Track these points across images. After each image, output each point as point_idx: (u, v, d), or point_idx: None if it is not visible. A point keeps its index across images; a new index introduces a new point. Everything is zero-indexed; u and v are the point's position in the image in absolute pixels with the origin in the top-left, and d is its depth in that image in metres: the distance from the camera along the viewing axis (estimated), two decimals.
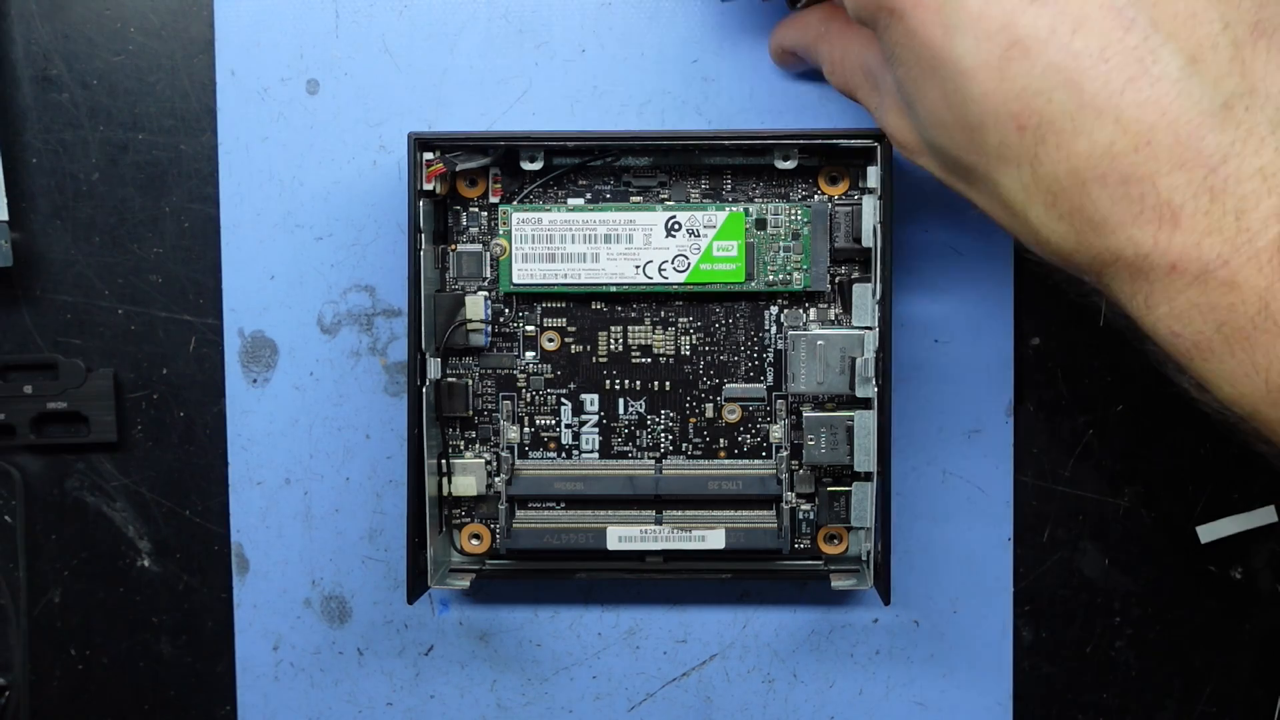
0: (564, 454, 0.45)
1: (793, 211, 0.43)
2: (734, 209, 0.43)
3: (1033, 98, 0.29)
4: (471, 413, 0.45)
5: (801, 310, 0.44)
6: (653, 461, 0.45)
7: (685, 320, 0.45)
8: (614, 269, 0.43)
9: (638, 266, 0.43)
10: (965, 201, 0.45)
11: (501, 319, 0.45)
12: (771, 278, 0.44)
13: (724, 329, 0.45)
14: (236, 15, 0.45)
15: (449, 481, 0.44)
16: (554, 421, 0.45)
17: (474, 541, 0.45)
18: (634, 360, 0.45)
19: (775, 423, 0.45)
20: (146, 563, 0.47)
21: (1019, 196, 0.31)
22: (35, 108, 0.46)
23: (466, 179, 0.44)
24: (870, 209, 0.43)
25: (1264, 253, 0.28)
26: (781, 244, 0.44)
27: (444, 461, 0.44)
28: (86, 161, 0.46)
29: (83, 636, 0.48)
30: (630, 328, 0.45)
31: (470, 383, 0.45)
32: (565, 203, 0.44)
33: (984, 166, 0.31)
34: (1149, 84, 0.28)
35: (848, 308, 0.43)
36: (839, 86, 0.40)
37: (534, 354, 0.45)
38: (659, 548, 0.44)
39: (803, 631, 0.47)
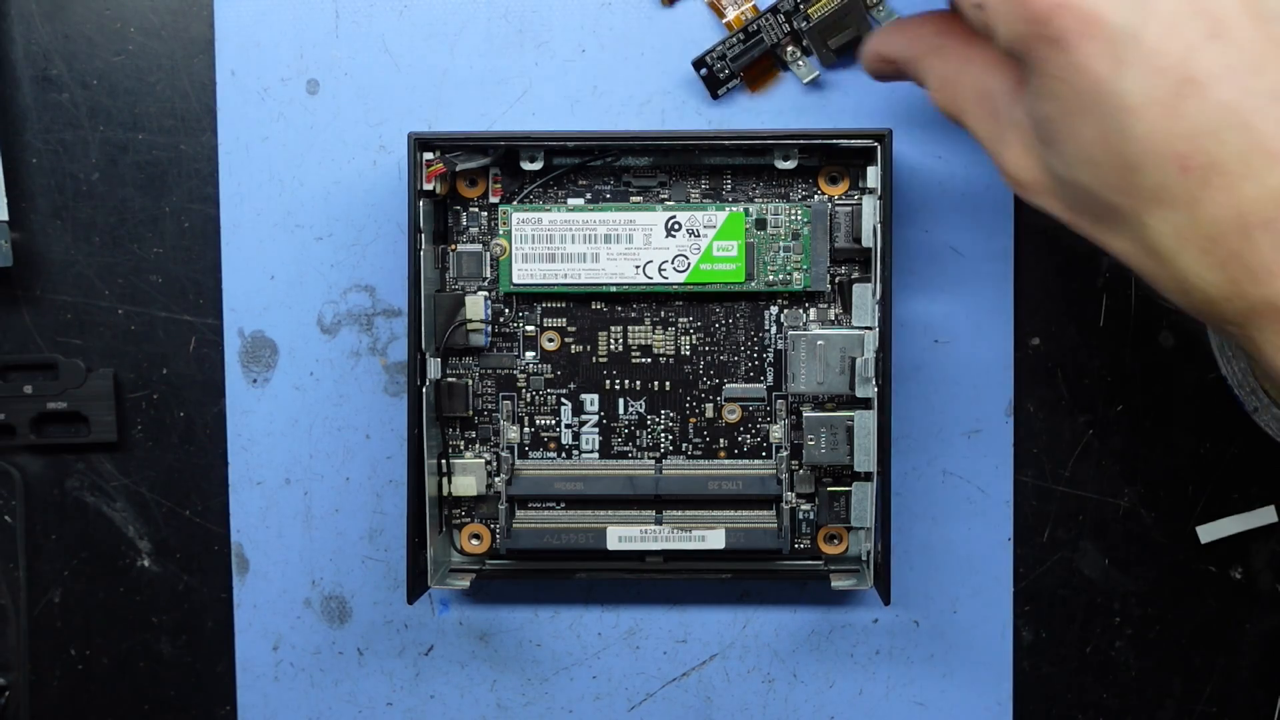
0: (564, 454, 0.45)
1: (793, 211, 0.43)
2: (734, 209, 0.43)
3: (1202, 138, 0.28)
4: (471, 413, 0.45)
5: (801, 310, 0.44)
6: (653, 461, 0.45)
7: (685, 320, 0.45)
8: (614, 269, 0.43)
9: (638, 266, 0.43)
10: (965, 202, 0.45)
11: (501, 319, 0.45)
12: (771, 278, 0.44)
13: (724, 329, 0.45)
14: (236, 15, 0.45)
15: (449, 481, 0.44)
16: (554, 421, 0.45)
17: (474, 541, 0.45)
18: (634, 360, 0.45)
19: (775, 423, 0.45)
20: (146, 563, 0.47)
21: (1169, 242, 0.29)
22: (35, 108, 0.46)
23: (466, 179, 0.44)
24: (870, 209, 0.43)
25: None
26: (781, 244, 0.44)
27: (444, 461, 0.44)
28: (86, 161, 0.46)
29: (83, 636, 0.48)
30: (630, 328, 0.45)
31: (470, 383, 0.45)
32: (565, 203, 0.44)
33: (1132, 208, 0.30)
34: None
35: (848, 308, 0.43)
36: (944, 107, 0.36)
37: (534, 354, 0.45)
38: (659, 548, 0.44)
39: (803, 631, 0.47)
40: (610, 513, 0.45)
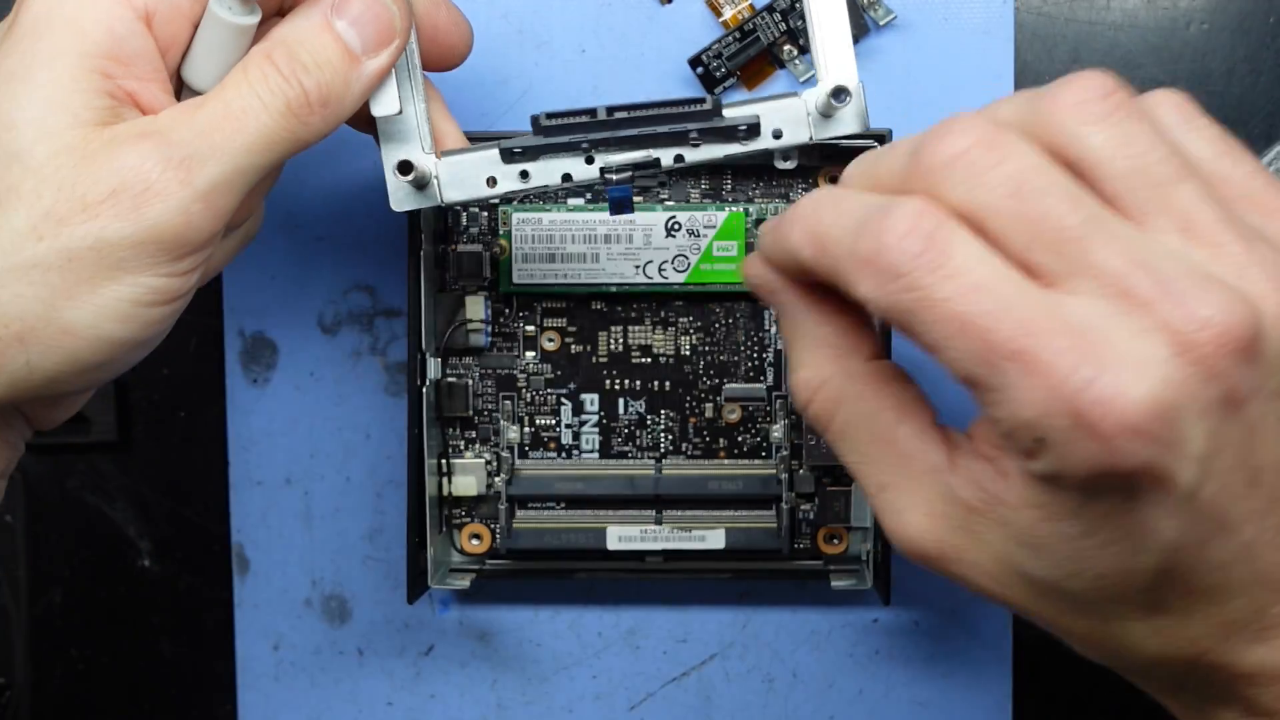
0: (564, 454, 0.45)
1: None
2: (734, 209, 0.43)
3: (1217, 571, 0.30)
4: (471, 413, 0.45)
5: None
6: (653, 461, 0.45)
7: (685, 320, 0.45)
8: (614, 269, 0.43)
9: (638, 266, 0.43)
10: None
11: (501, 319, 0.45)
12: None
13: (724, 329, 0.45)
14: None
15: (449, 481, 0.44)
16: (554, 421, 0.45)
17: (474, 541, 0.45)
18: (634, 360, 0.45)
19: (775, 423, 0.45)
20: (147, 563, 0.47)
21: (1141, 630, 0.31)
22: None
23: None
24: None
25: None
26: None
27: (444, 461, 0.44)
28: None
29: (83, 636, 0.48)
30: (630, 328, 0.45)
31: (470, 383, 0.45)
32: (565, 202, 0.44)
33: (1122, 613, 0.31)
34: None
35: None
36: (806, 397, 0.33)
37: (534, 354, 0.45)
38: (659, 548, 0.44)
39: (803, 631, 0.47)
40: (610, 512, 0.45)
